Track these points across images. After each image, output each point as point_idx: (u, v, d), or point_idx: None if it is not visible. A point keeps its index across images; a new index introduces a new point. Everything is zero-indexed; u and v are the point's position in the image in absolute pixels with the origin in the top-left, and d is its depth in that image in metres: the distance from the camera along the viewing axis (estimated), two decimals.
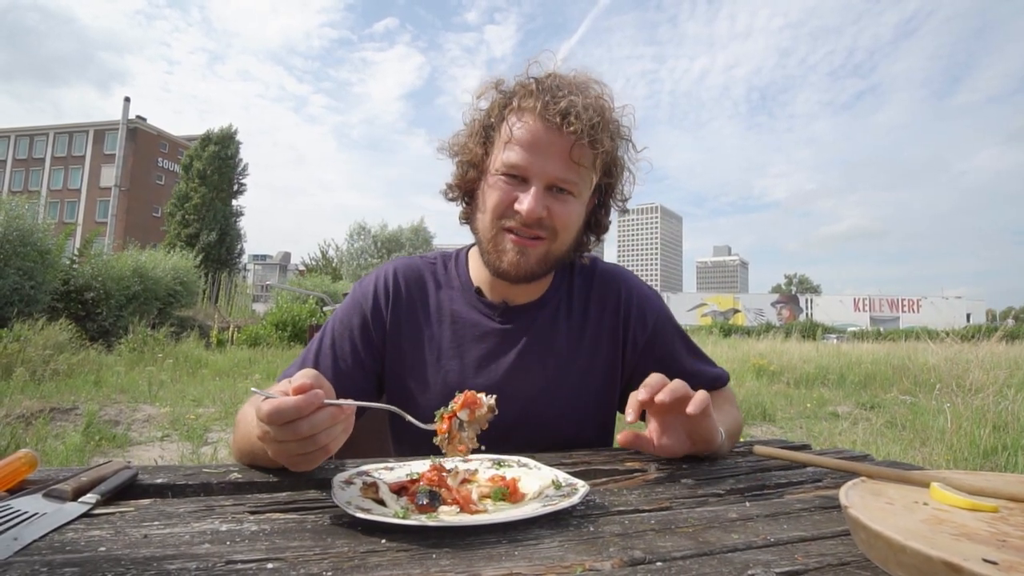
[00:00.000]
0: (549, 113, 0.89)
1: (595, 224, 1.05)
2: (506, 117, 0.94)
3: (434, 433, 0.81)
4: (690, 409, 0.75)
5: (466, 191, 1.04)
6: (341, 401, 0.65)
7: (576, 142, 0.89)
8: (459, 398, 0.71)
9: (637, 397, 0.78)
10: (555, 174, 0.91)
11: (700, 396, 0.77)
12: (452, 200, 1.07)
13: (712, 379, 1.09)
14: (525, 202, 0.91)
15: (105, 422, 4.72)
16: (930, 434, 4.50)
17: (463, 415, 0.70)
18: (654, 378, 0.80)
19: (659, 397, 0.76)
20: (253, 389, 0.70)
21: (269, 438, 0.64)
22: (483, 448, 0.73)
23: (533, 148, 0.91)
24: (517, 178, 0.93)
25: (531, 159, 0.91)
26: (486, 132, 0.97)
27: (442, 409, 0.72)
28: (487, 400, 0.71)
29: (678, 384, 0.78)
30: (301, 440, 0.63)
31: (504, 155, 0.93)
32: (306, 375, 0.65)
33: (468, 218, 1.05)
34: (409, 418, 0.71)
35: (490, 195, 0.95)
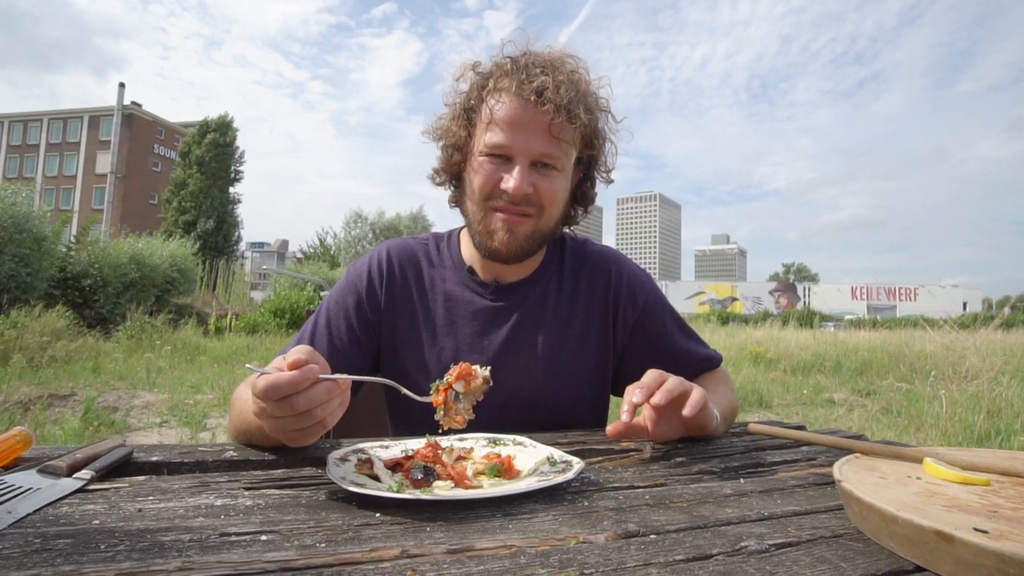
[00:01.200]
0: (525, 91, 0.90)
1: (581, 196, 1.07)
2: (485, 99, 0.95)
3: (430, 409, 0.81)
4: (686, 412, 0.76)
5: (452, 174, 1.05)
6: (336, 375, 0.65)
7: (555, 117, 0.90)
8: (454, 370, 0.72)
9: (632, 399, 0.77)
10: (538, 150, 0.93)
11: (696, 397, 0.77)
12: (439, 185, 1.08)
13: (703, 359, 1.10)
14: (511, 180, 0.92)
15: (103, 408, 4.73)
16: (925, 420, 4.53)
17: (458, 387, 0.71)
18: (650, 376, 0.80)
19: (654, 400, 0.76)
20: (248, 365, 0.70)
21: (266, 414, 0.64)
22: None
23: (514, 127, 0.92)
24: (501, 157, 0.94)
25: (513, 137, 0.92)
26: (467, 115, 0.99)
27: (437, 382, 0.72)
28: (482, 372, 0.72)
29: (674, 383, 0.78)
30: (298, 415, 0.63)
31: (487, 136, 0.94)
32: (301, 351, 0.65)
33: (457, 201, 1.06)
34: (404, 390, 0.71)
35: (476, 176, 0.96)
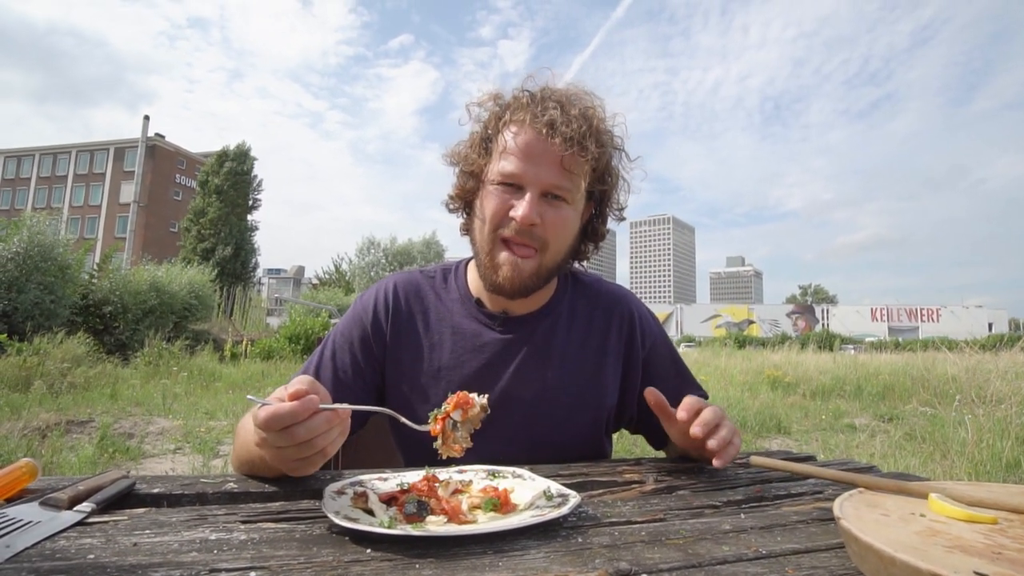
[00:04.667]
0: (538, 124, 0.93)
1: (592, 232, 1.08)
2: (501, 129, 0.98)
3: (431, 437, 0.81)
4: (716, 463, 0.80)
5: (466, 201, 1.06)
6: (336, 405, 0.66)
7: (566, 150, 0.92)
8: (451, 399, 0.72)
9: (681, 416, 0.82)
10: (549, 181, 0.94)
11: (729, 454, 0.81)
12: (453, 211, 1.10)
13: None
14: (520, 208, 0.93)
15: (119, 435, 4.78)
16: (950, 447, 4.38)
17: (456, 415, 0.71)
18: (689, 402, 0.84)
19: (694, 431, 0.80)
20: (250, 397, 0.72)
21: (267, 444, 0.65)
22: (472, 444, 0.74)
23: (526, 157, 0.94)
24: (513, 186, 0.96)
25: (525, 167, 0.94)
26: (484, 144, 1.01)
27: (435, 411, 0.73)
28: (479, 400, 0.72)
29: (712, 417, 0.82)
30: (298, 445, 0.64)
31: (500, 165, 0.96)
32: (302, 381, 0.67)
33: (468, 229, 1.07)
34: (403, 420, 0.72)
35: (487, 203, 0.98)
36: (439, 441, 0.71)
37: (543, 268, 0.99)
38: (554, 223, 0.96)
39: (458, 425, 0.71)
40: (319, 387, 0.68)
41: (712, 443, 0.80)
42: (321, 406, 0.64)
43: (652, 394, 0.86)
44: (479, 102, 1.02)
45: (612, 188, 1.04)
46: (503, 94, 1.01)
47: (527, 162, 0.94)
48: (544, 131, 0.92)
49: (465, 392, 0.73)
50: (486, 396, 0.73)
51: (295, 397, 0.63)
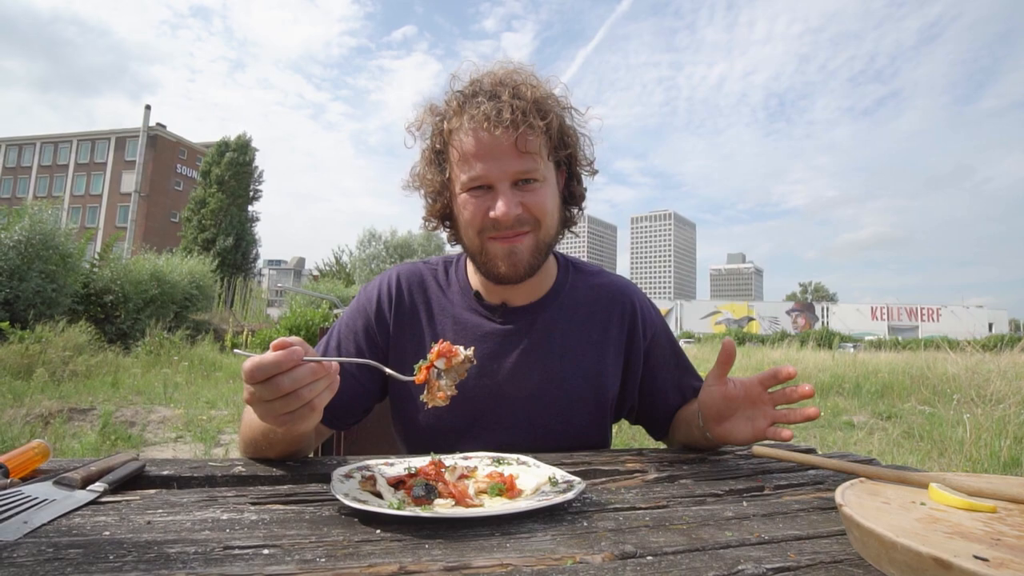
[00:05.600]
0: (479, 120, 0.93)
1: (571, 196, 1.08)
2: (448, 139, 0.98)
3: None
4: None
5: (442, 216, 1.06)
6: (321, 357, 0.68)
7: (517, 135, 0.92)
8: (435, 348, 0.74)
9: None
10: (512, 170, 0.94)
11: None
12: (433, 230, 1.11)
13: (694, 390, 1.12)
14: (497, 207, 0.94)
15: (121, 423, 4.80)
16: (948, 445, 4.41)
17: (440, 364, 0.73)
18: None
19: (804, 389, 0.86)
20: (236, 351, 0.73)
21: (255, 398, 0.67)
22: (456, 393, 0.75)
23: (483, 157, 0.94)
24: (482, 188, 0.96)
25: (486, 167, 0.94)
26: (437, 159, 1.01)
27: (421, 361, 0.75)
28: (465, 351, 0.74)
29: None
30: (284, 397, 0.65)
31: (462, 174, 0.97)
32: (288, 338, 0.68)
33: (456, 239, 1.08)
34: (388, 371, 0.74)
35: (464, 213, 0.99)
36: (425, 392, 0.73)
37: (540, 243, 0.99)
38: (535, 204, 0.96)
39: (442, 374, 0.73)
40: (306, 345, 0.69)
41: (806, 386, 0.87)
42: (305, 358, 0.65)
43: (729, 343, 0.90)
44: (417, 123, 1.03)
45: (575, 148, 1.04)
46: (436, 105, 1.01)
47: (485, 161, 0.94)
48: (487, 125, 0.92)
49: (449, 342, 0.74)
50: (472, 348, 0.75)
51: (279, 348, 0.65)
